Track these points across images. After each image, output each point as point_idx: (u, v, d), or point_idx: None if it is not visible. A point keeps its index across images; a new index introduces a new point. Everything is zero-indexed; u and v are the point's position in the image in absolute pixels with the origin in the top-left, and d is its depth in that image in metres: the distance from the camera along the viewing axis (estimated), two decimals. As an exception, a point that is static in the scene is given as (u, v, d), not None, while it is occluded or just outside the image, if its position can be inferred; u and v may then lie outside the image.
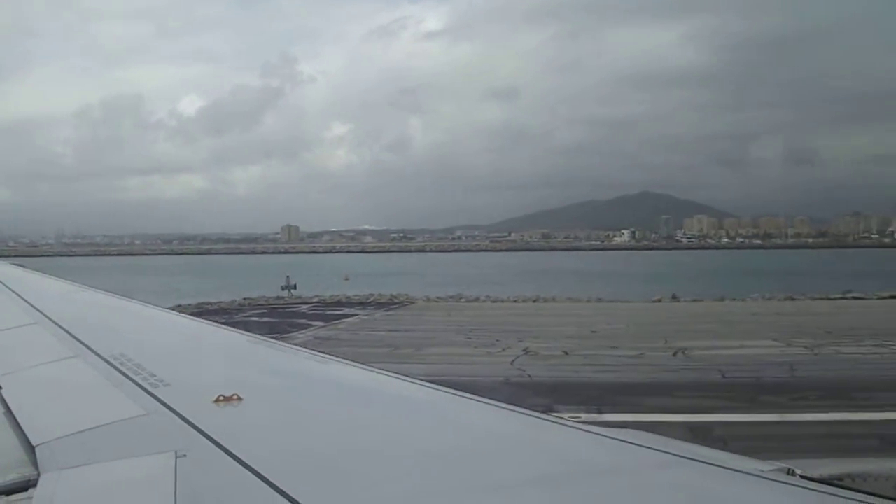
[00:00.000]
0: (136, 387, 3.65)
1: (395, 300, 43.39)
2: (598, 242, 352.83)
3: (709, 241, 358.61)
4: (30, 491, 2.58)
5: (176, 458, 2.57)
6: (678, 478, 2.36)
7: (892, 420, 13.90)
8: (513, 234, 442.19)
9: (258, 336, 5.67)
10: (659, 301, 40.64)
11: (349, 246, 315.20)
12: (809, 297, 42.13)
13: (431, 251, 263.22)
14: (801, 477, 2.34)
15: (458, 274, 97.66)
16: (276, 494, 2.19)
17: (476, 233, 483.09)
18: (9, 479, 2.76)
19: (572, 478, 2.35)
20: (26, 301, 7.71)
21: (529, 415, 3.12)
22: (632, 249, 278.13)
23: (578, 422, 3.23)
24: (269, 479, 2.29)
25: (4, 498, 2.64)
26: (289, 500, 2.15)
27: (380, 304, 41.01)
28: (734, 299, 41.25)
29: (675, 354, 22.14)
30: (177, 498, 2.25)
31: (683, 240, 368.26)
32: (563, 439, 2.86)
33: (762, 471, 2.37)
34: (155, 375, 3.83)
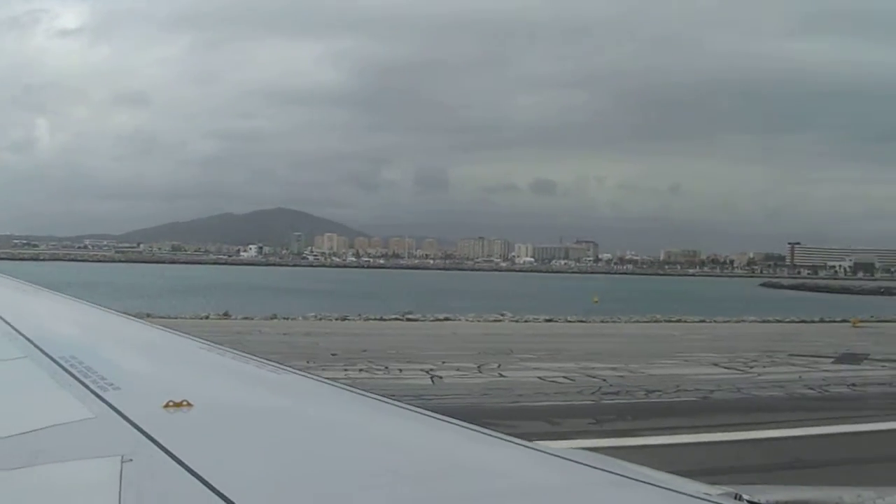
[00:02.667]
0: (84, 389, 3.43)
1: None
2: (227, 256, 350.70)
3: (334, 258, 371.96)
4: None
5: (122, 462, 2.40)
6: (626, 499, 2.33)
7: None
8: (142, 246, 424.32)
9: (211, 343, 5.36)
10: (207, 318, 40.56)
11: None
12: (363, 318, 44.18)
13: (46, 259, 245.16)
14: (749, 502, 2.34)
15: (62, 283, 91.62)
16: (221, 502, 2.06)
17: (105, 243, 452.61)
18: None
19: (518, 498, 2.27)
20: None
21: (480, 432, 3.08)
22: (258, 265, 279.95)
23: (528, 441, 3.09)
24: (216, 487, 2.14)
25: None
26: None
27: None
28: (286, 318, 42.25)
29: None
30: (121, 503, 2.11)
31: (310, 257, 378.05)
32: (511, 458, 2.81)
33: (710, 494, 2.34)
34: (105, 378, 3.59)
